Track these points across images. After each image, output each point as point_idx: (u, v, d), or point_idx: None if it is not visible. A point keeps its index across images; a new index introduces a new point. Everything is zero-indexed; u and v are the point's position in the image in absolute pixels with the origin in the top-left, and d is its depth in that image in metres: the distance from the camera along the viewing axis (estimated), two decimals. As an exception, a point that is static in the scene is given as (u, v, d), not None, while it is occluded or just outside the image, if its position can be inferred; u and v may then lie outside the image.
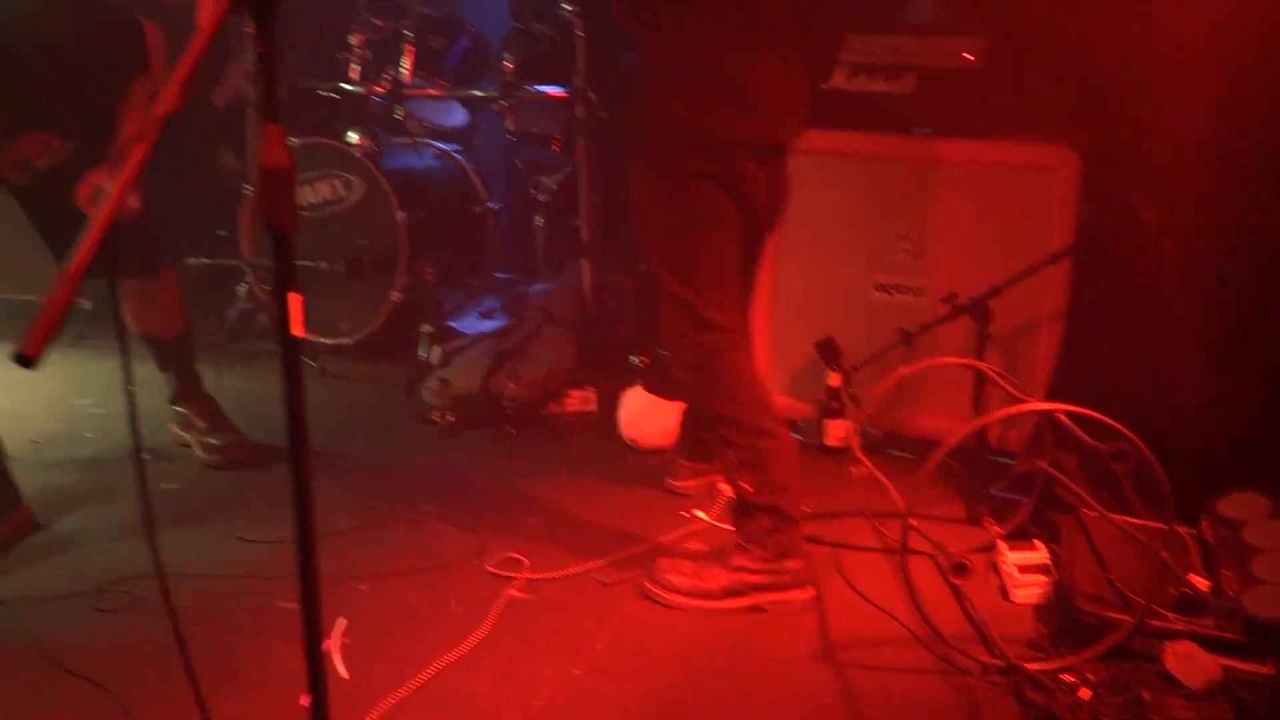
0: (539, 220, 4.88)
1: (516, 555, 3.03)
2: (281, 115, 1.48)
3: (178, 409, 3.64)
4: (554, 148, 4.80)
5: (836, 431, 3.63)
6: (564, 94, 4.49)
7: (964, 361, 3.12)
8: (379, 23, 4.72)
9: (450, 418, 3.91)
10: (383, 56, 4.69)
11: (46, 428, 3.86)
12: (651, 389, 3.77)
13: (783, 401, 3.64)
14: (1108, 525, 2.70)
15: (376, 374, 4.40)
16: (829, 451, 3.63)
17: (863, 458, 3.09)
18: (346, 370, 4.40)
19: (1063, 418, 2.61)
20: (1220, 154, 3.01)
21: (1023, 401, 2.74)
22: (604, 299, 4.57)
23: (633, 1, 2.77)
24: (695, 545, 3.12)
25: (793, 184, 2.94)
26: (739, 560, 2.81)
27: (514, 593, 2.88)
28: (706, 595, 2.81)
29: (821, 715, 2.45)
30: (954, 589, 2.56)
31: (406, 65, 4.64)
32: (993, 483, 3.27)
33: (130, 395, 1.53)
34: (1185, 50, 3.00)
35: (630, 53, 4.68)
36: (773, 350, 3.81)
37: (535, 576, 2.95)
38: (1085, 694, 2.39)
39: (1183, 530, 2.75)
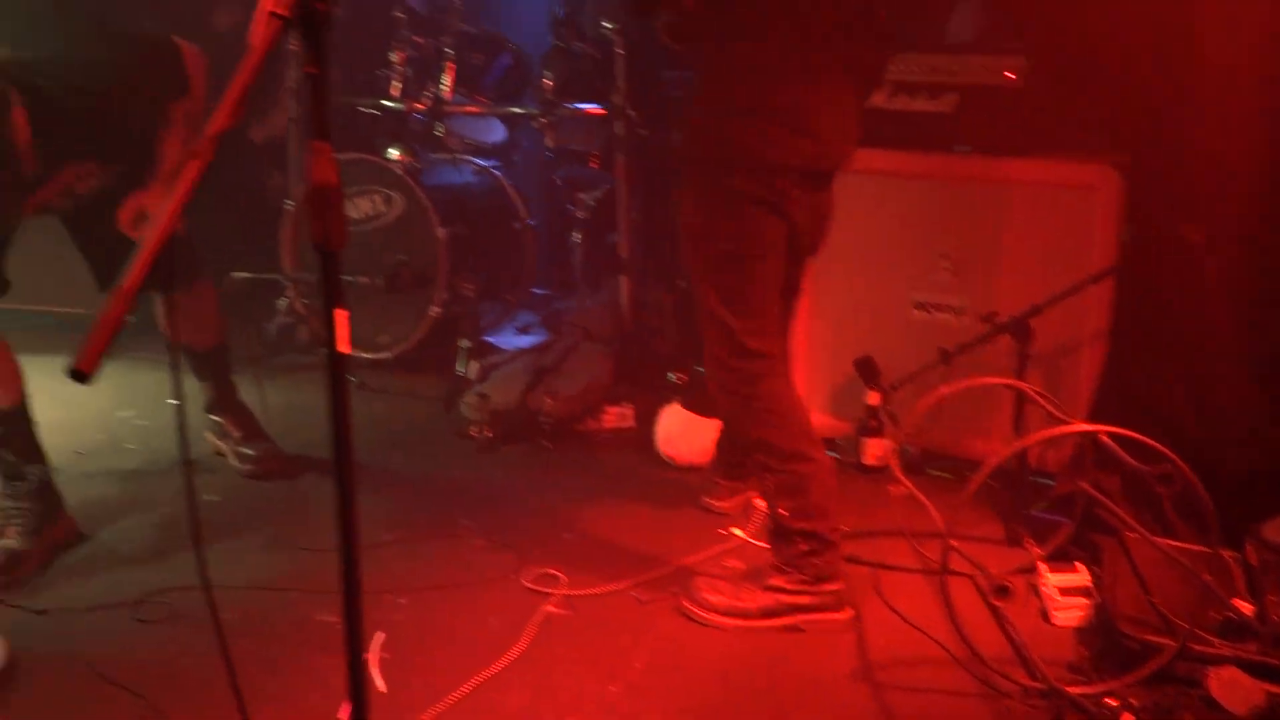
0: (576, 236, 4.90)
1: (553, 571, 3.03)
2: (330, 133, 1.50)
3: (213, 418, 3.67)
4: (592, 164, 4.83)
5: (875, 450, 3.61)
6: (603, 111, 4.52)
7: (1005, 381, 3.10)
8: (420, 40, 4.76)
9: (488, 433, 3.93)
10: (424, 74, 4.74)
11: (89, 439, 3.90)
12: (689, 406, 3.76)
13: (821, 419, 3.64)
14: (1150, 548, 2.67)
15: (415, 388, 4.42)
16: (867, 470, 3.62)
17: (902, 477, 3.07)
18: (385, 384, 4.43)
19: (1106, 439, 2.59)
20: (1265, 174, 2.98)
21: (1065, 422, 2.72)
22: (642, 315, 4.58)
23: (681, 23, 2.76)
24: (733, 563, 3.11)
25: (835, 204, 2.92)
26: (776, 581, 2.80)
27: (551, 609, 2.88)
28: (744, 615, 2.79)
29: (860, 736, 2.44)
30: (994, 611, 2.54)
31: (447, 82, 4.68)
32: (1033, 504, 3.24)
33: (180, 414, 1.54)
34: (1230, 69, 2.98)
35: (671, 71, 4.71)
36: (811, 368, 3.81)
37: (572, 593, 2.94)
38: (1127, 719, 2.36)
39: (1227, 554, 2.71)
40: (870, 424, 3.62)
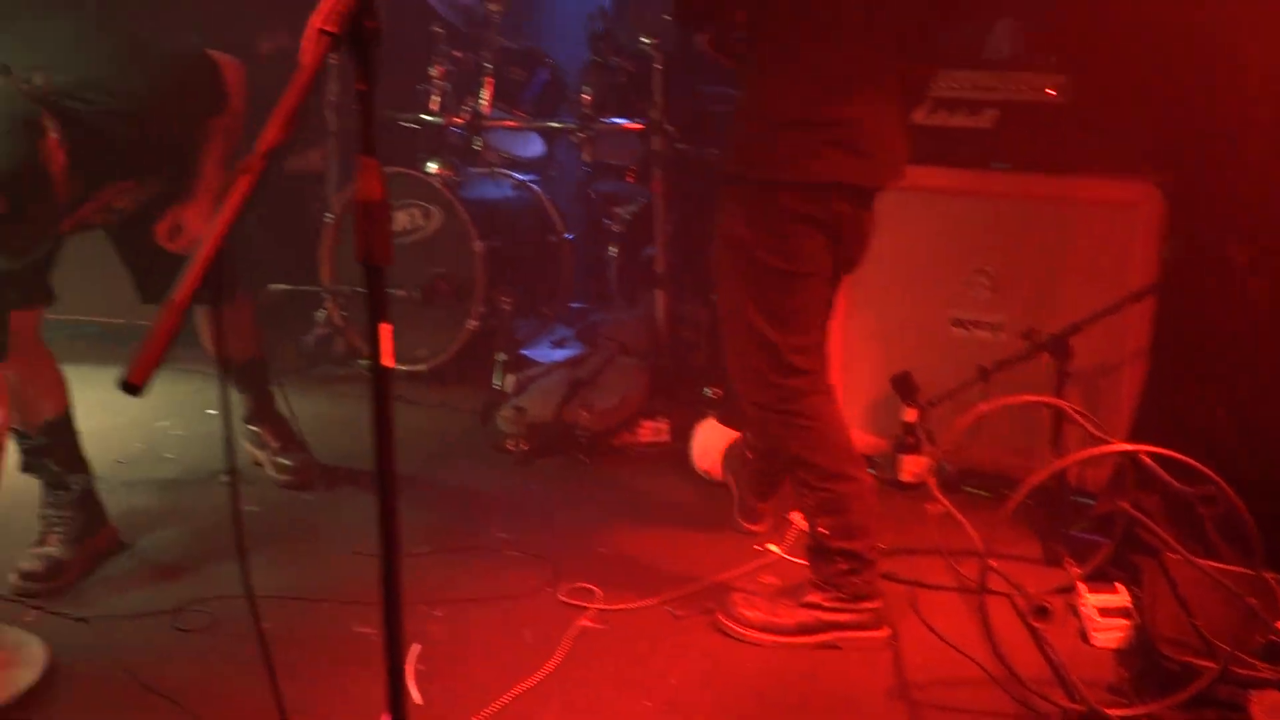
0: (613, 250, 4.91)
1: (589, 585, 3.03)
2: (377, 150, 1.51)
3: (251, 428, 3.69)
4: (629, 179, 4.84)
5: (912, 467, 3.60)
6: (640, 126, 4.53)
7: (1044, 399, 3.08)
8: (459, 55, 4.79)
9: (524, 446, 3.94)
10: (462, 88, 4.76)
11: (129, 449, 3.94)
12: (724, 421, 3.76)
13: (858, 436, 3.61)
14: (1191, 569, 2.64)
15: (450, 400, 4.44)
16: (904, 487, 3.60)
17: (939, 495, 3.06)
18: (421, 396, 4.45)
19: (1147, 459, 2.57)
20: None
21: (1105, 441, 2.70)
22: (678, 330, 4.58)
23: (729, 36, 2.74)
24: (769, 579, 3.11)
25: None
26: (813, 598, 2.79)
27: (586, 623, 2.88)
28: (780, 631, 2.79)
29: (896, 756, 2.43)
30: (1033, 632, 2.52)
31: (486, 97, 4.70)
32: (1072, 523, 3.22)
33: (226, 426, 1.56)
34: (1274, 87, 2.96)
35: (708, 86, 4.72)
36: (848, 384, 3.79)
37: (607, 607, 2.94)
38: (1168, 742, 2.34)
39: (1270, 576, 2.68)
40: (907, 441, 3.61)
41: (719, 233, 2.78)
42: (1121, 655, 2.74)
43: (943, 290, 3.67)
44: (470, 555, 3.25)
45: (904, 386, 3.57)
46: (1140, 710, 2.44)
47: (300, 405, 3.78)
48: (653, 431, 4.09)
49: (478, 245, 4.42)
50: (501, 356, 4.33)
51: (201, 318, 3.38)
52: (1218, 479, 2.41)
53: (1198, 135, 3.22)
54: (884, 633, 2.80)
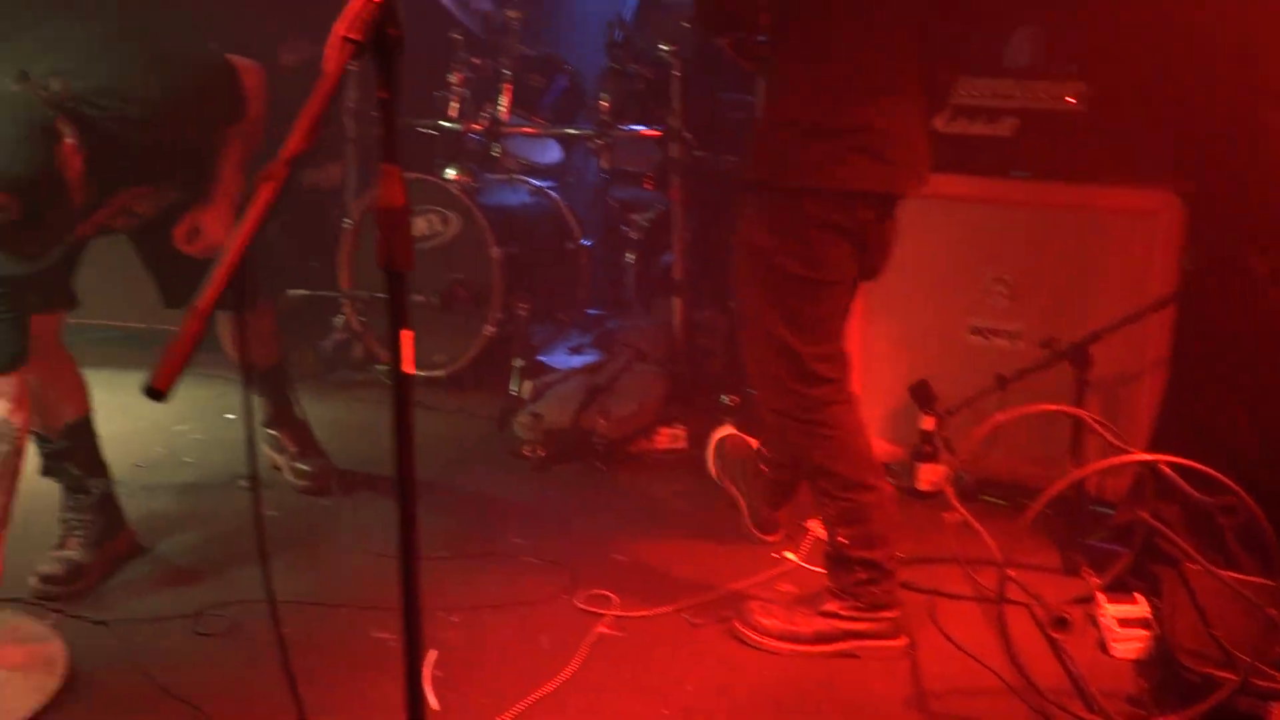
0: (630, 257, 4.92)
1: (605, 592, 3.03)
2: (400, 157, 1.52)
3: (270, 432, 3.70)
4: (647, 186, 4.85)
5: (929, 476, 3.59)
6: (658, 133, 4.54)
7: (1063, 409, 3.07)
8: (478, 62, 4.80)
9: (541, 452, 3.94)
10: (481, 95, 4.77)
11: (148, 453, 3.95)
12: (742, 428, 3.76)
13: (875, 444, 3.60)
14: (1211, 580, 2.63)
15: (468, 406, 4.45)
16: (921, 496, 3.59)
17: (957, 504, 3.05)
18: (438, 402, 4.45)
19: (1167, 469, 2.56)
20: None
21: (1124, 451, 2.69)
22: (695, 337, 4.58)
23: (752, 40, 2.72)
24: (786, 587, 3.10)
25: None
26: (831, 606, 2.79)
27: (603, 630, 2.88)
28: (797, 639, 2.78)
29: (914, 765, 2.42)
30: (1052, 642, 2.51)
31: (504, 103, 4.71)
32: (1091, 532, 3.21)
33: (249, 432, 1.56)
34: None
35: (727, 93, 4.72)
36: (866, 392, 3.77)
37: (624, 614, 2.94)
38: (1188, 754, 2.33)
39: (1291, 587, 2.67)
40: (925, 449, 3.60)
41: (739, 240, 2.76)
42: (1141, 666, 2.73)
43: (961, 298, 3.66)
44: (487, 561, 3.25)
45: (921, 395, 3.56)
46: (1160, 721, 2.43)
47: (318, 410, 3.80)
48: (670, 438, 4.09)
49: (495, 251, 4.43)
50: (519, 362, 4.34)
51: (223, 323, 3.39)
52: (1238, 489, 2.40)
53: (1218, 144, 3.20)
54: (902, 642, 2.79)
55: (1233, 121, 3.13)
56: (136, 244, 3.23)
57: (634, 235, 4.89)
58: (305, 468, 3.68)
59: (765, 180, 2.67)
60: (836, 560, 2.80)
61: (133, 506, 3.32)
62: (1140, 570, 3.01)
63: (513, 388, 4.30)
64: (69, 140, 2.52)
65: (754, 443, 3.44)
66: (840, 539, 2.76)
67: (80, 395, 3.12)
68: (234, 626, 2.86)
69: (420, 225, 4.53)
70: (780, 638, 2.79)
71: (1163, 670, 2.62)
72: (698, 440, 3.94)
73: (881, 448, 3.66)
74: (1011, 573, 2.46)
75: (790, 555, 3.29)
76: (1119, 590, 2.95)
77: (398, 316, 1.53)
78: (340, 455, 3.79)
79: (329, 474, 3.70)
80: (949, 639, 2.86)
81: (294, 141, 1.36)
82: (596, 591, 3.04)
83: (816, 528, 3.31)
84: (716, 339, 4.62)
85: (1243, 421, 3.07)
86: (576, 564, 3.21)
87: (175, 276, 3.20)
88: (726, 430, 3.77)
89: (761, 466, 3.30)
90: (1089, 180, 3.46)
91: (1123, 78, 3.54)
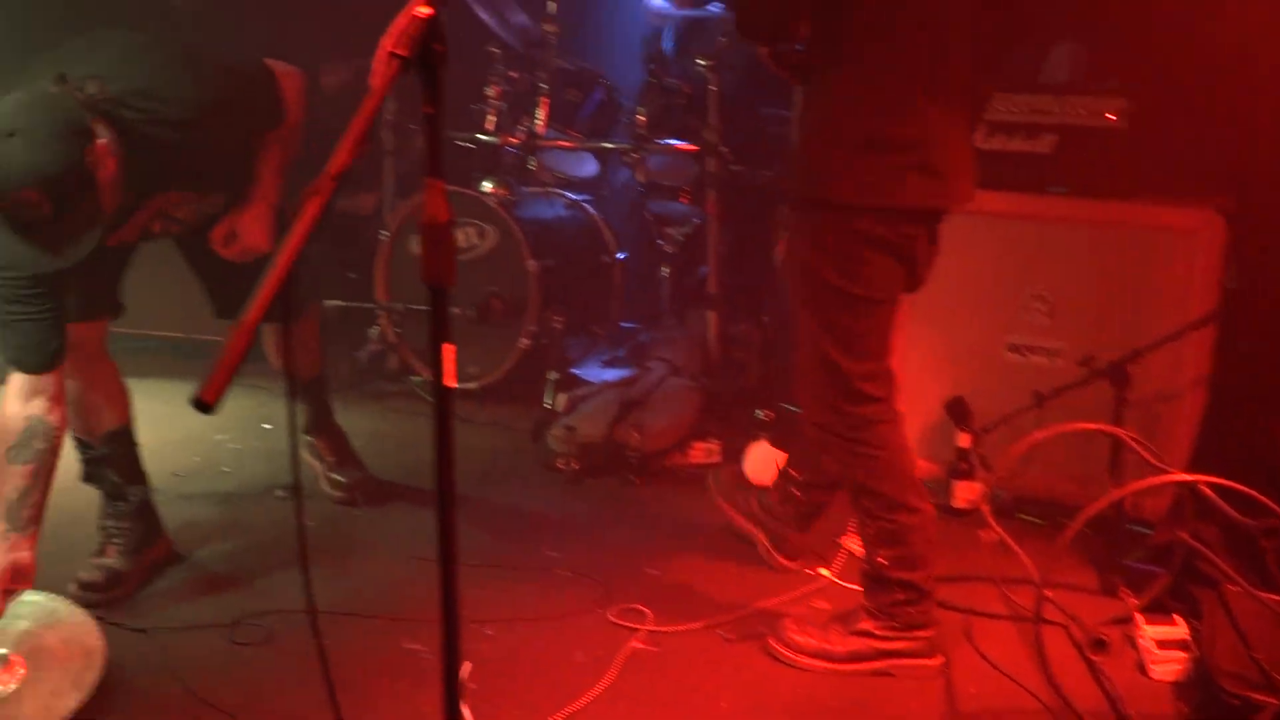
0: (665, 271, 4.92)
1: (639, 607, 3.03)
2: (443, 171, 1.53)
3: (308, 438, 3.72)
4: (682, 199, 4.85)
5: (965, 493, 3.57)
6: (694, 147, 4.54)
7: (1102, 427, 3.05)
8: (515, 75, 4.83)
9: (574, 465, 3.94)
10: (518, 108, 4.80)
11: (186, 462, 3.98)
12: (776, 443, 3.75)
13: (910, 461, 3.60)
14: (1252, 602, 2.61)
15: (502, 419, 4.45)
16: (957, 513, 3.57)
17: (993, 523, 3.04)
18: (473, 414, 4.47)
19: (1207, 490, 2.54)
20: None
21: (1164, 471, 2.67)
22: (730, 351, 4.58)
23: (791, 50, 2.69)
24: (820, 604, 3.08)
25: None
26: (866, 625, 2.76)
27: (637, 644, 2.88)
28: (831, 658, 2.76)
29: (949, 786, 2.40)
30: (1090, 664, 2.49)
31: (541, 117, 4.73)
32: (1129, 553, 3.18)
33: (294, 445, 1.57)
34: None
35: (765, 107, 4.72)
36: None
37: (658, 629, 2.94)
38: (1228, 778, 2.30)
39: (1333, 611, 2.64)
40: (961, 466, 3.58)
41: (789, 257, 2.74)
42: (1180, 689, 2.70)
43: (999, 315, 3.64)
44: (521, 574, 3.25)
45: (957, 411, 3.54)
46: (1199, 745, 2.40)
47: (352, 420, 3.82)
48: (704, 453, 4.08)
49: (531, 264, 4.44)
50: (553, 375, 4.35)
51: (268, 334, 3.41)
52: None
53: (1260, 161, 3.18)
54: (937, 661, 2.77)
55: (1274, 138, 3.10)
56: (186, 253, 3.25)
57: (669, 249, 4.90)
58: (341, 479, 3.69)
59: (813, 197, 2.63)
60: (875, 580, 2.77)
61: (170, 515, 3.35)
62: (1179, 591, 2.99)
63: (547, 400, 4.31)
64: (102, 141, 2.55)
65: (779, 460, 3.40)
66: (880, 559, 2.73)
67: (122, 403, 3.15)
68: (270, 636, 2.87)
69: (457, 238, 4.54)
70: (814, 655, 2.77)
71: (1202, 693, 2.59)
72: (732, 455, 3.94)
73: (917, 464, 3.64)
74: (1048, 592, 2.44)
75: (824, 572, 3.27)
76: (1157, 611, 2.92)
77: (439, 331, 1.53)
78: (374, 466, 3.80)
79: (364, 486, 3.71)
80: (985, 658, 2.84)
81: (340, 157, 1.37)
82: (630, 606, 3.03)
83: (850, 544, 3.30)
84: (751, 353, 4.62)
85: (1285, 442, 3.04)
86: (610, 577, 3.21)
87: (226, 287, 3.22)
88: (762, 445, 3.76)
89: (793, 490, 3.23)
90: (1129, 197, 3.44)
91: (1163, 94, 3.53)
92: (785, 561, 3.28)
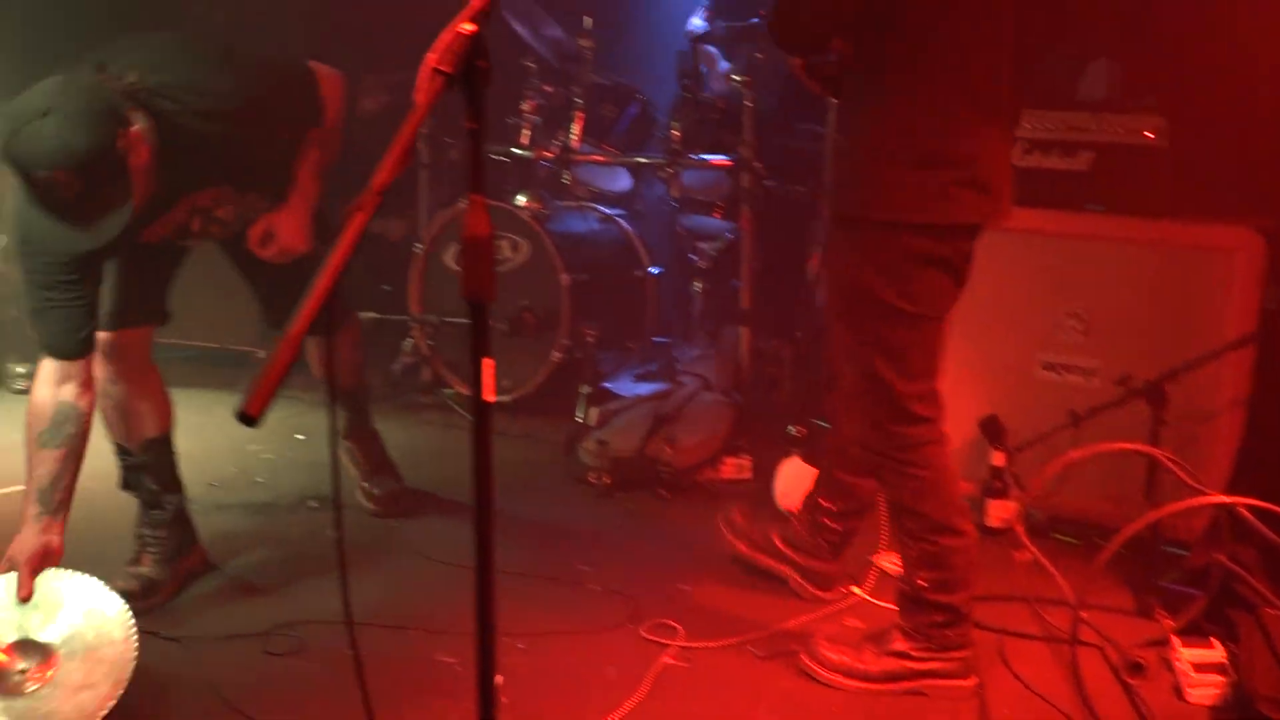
0: (697, 286, 4.93)
1: (670, 622, 3.02)
2: (484, 187, 1.54)
3: (346, 443, 3.73)
4: (716, 214, 4.85)
5: (999, 512, 3.54)
6: (728, 163, 4.55)
7: (1138, 447, 3.02)
8: (550, 90, 4.84)
9: (606, 479, 3.95)
10: (553, 122, 4.81)
11: (221, 471, 4.01)
12: (808, 460, 3.74)
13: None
14: (1291, 626, 2.58)
15: (534, 432, 4.46)
16: (990, 532, 3.54)
17: (1027, 542, 3.02)
18: (505, 427, 4.47)
19: (1245, 512, 2.51)
20: None
21: (1201, 492, 2.65)
22: (762, 366, 4.57)
23: (826, 63, 2.68)
24: (853, 623, 3.07)
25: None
26: (901, 645, 2.74)
27: (668, 660, 2.87)
28: (864, 677, 2.74)
29: (983, 807, 2.38)
30: (1126, 688, 2.47)
31: (575, 131, 4.74)
32: (1165, 574, 3.15)
33: (335, 458, 1.58)
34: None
35: (799, 123, 4.72)
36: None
37: (690, 645, 2.93)
38: (1267, 805, 2.28)
39: (1374, 636, 2.61)
40: (995, 485, 3.56)
41: (833, 277, 2.71)
42: (1216, 713, 2.67)
43: (1033, 333, 3.62)
44: (552, 587, 3.26)
45: (992, 430, 3.53)
46: (1237, 770, 2.38)
47: (385, 432, 3.83)
48: (735, 468, 4.07)
49: (564, 278, 4.45)
50: (585, 389, 4.35)
51: (311, 345, 3.43)
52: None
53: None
54: (971, 682, 2.74)
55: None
56: (237, 263, 3.25)
57: (702, 264, 4.90)
58: (375, 491, 3.71)
59: (860, 215, 2.59)
60: (913, 601, 2.74)
61: (205, 524, 3.38)
62: (1216, 614, 2.95)
63: (579, 414, 4.31)
64: (136, 128, 2.57)
65: (808, 483, 3.35)
66: (920, 581, 2.71)
67: (164, 412, 3.17)
68: (302, 646, 2.89)
69: (493, 252, 4.56)
70: (847, 674, 2.76)
71: (1240, 717, 2.56)
72: (764, 471, 3.93)
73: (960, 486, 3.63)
74: (1084, 614, 2.42)
75: (857, 590, 3.25)
76: (1194, 634, 2.89)
77: (480, 346, 1.54)
78: (407, 477, 3.82)
79: (398, 498, 3.73)
80: (1019, 679, 2.81)
81: (384, 172, 1.38)
82: (661, 621, 3.03)
83: (882, 562, 3.28)
84: (783, 369, 4.61)
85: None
86: (641, 593, 3.21)
87: (275, 295, 3.24)
88: (794, 461, 3.75)
89: (825, 521, 3.16)
90: (1166, 215, 3.42)
91: (1201, 112, 3.50)
92: (819, 593, 3.22)
